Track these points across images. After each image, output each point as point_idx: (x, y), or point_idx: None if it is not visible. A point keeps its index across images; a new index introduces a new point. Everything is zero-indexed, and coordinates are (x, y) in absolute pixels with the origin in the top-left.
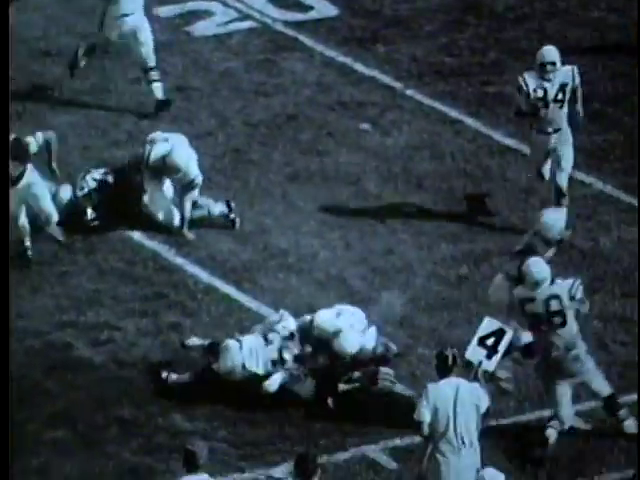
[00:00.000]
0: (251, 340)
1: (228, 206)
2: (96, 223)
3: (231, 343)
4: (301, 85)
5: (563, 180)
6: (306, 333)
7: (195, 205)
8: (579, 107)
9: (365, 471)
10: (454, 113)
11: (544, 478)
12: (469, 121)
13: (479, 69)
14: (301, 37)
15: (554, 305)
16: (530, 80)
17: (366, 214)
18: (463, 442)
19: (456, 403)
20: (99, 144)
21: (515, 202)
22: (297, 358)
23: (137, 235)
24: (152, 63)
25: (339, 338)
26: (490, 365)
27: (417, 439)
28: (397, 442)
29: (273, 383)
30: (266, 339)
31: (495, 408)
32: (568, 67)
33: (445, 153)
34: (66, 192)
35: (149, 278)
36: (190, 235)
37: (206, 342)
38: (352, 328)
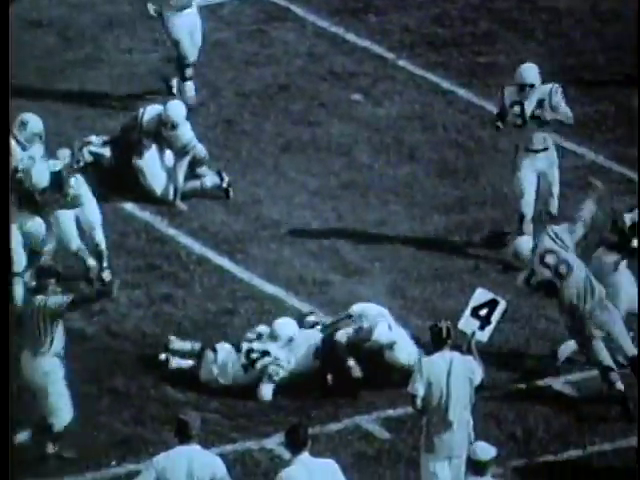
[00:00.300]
0: (226, 352)
1: (219, 175)
2: None
3: (208, 355)
4: (293, 55)
5: (554, 206)
6: (357, 345)
7: (193, 173)
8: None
9: (358, 441)
10: (446, 84)
11: (537, 449)
12: (461, 92)
13: (471, 39)
14: (293, 7)
15: (550, 259)
16: (508, 94)
17: (358, 185)
18: (456, 415)
19: (450, 376)
20: (91, 114)
21: (507, 173)
22: (265, 353)
23: (129, 206)
24: (193, 59)
25: (393, 350)
26: (483, 336)
27: (410, 410)
28: (390, 412)
29: (266, 393)
30: (238, 348)
31: (488, 380)
32: (549, 85)
33: (437, 124)
34: (64, 155)
35: (141, 249)
36: (182, 206)
37: (190, 345)
38: (404, 339)
